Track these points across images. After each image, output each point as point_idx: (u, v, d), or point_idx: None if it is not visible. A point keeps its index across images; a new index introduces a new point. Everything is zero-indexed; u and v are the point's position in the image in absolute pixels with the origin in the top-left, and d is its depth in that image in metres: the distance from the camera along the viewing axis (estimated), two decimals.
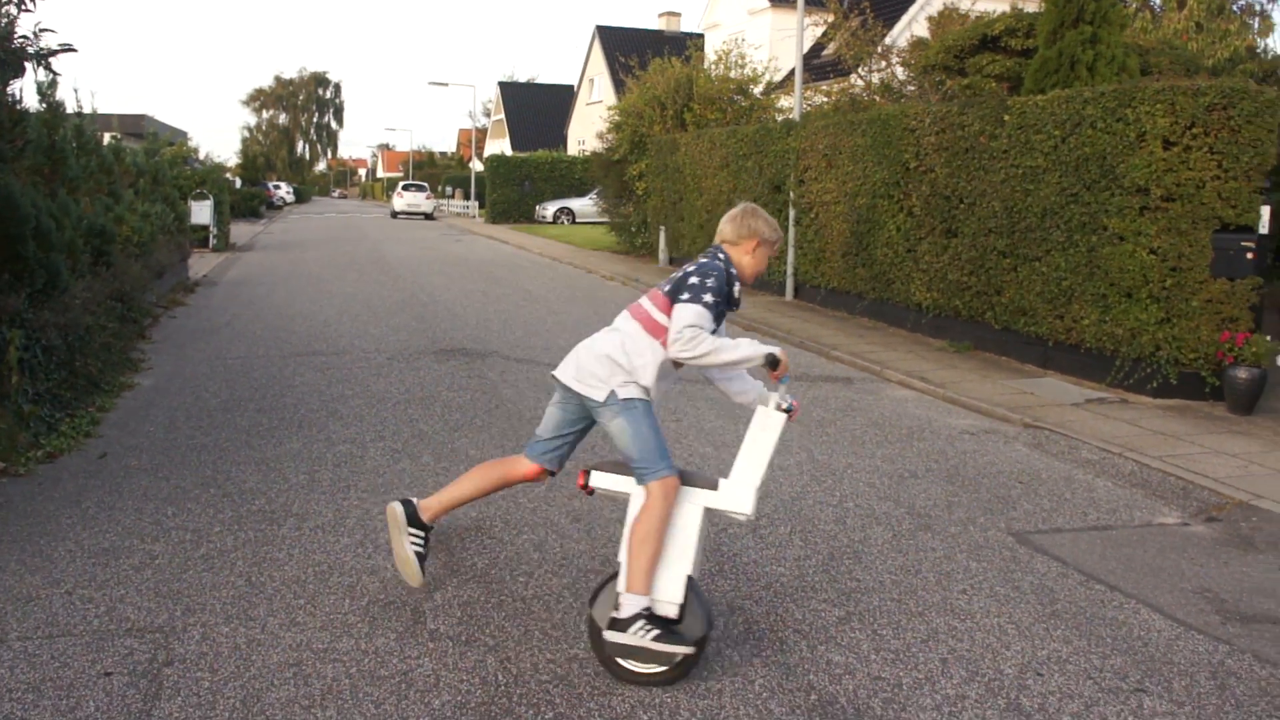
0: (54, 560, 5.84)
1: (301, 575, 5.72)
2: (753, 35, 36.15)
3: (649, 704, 4.41)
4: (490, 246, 33.38)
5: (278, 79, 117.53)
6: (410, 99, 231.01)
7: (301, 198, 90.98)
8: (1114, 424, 9.56)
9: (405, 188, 59.71)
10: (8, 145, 9.50)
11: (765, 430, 4.74)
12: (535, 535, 6.43)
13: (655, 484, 4.60)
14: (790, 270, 18.18)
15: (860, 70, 21.97)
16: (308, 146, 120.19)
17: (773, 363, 4.65)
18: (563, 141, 64.22)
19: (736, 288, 4.89)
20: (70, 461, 7.80)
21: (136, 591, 5.44)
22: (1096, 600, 5.65)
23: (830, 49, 25.52)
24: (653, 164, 25.10)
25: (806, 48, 23.21)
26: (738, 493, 4.67)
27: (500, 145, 72.18)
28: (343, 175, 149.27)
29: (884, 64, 21.59)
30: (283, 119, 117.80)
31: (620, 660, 4.57)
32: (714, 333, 4.73)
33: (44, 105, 12.27)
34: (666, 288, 4.82)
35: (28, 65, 9.66)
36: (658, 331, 4.77)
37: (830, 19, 24.53)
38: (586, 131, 53.35)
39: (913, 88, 20.35)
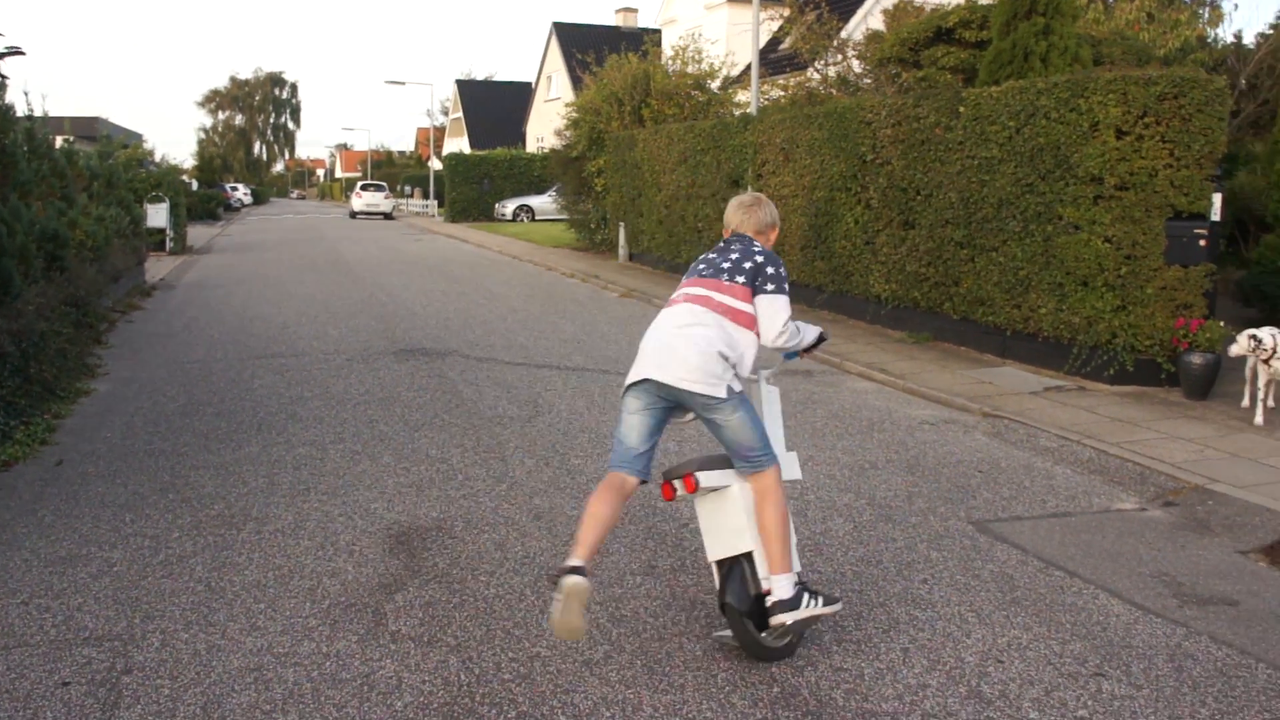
0: (9, 570, 5.78)
1: (262, 579, 5.69)
2: (709, 30, 36.15)
3: (612, 700, 4.41)
4: (450, 245, 33.27)
5: (233, 79, 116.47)
6: (367, 98, 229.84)
7: (260, 199, 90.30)
8: (1072, 411, 9.63)
9: (364, 187, 59.35)
10: None
11: (775, 403, 5.26)
12: (496, 534, 6.41)
13: (773, 468, 4.79)
14: None
15: (817, 64, 22.01)
16: (265, 147, 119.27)
17: (823, 338, 5.22)
18: (521, 139, 64.03)
19: None
20: (26, 470, 7.73)
21: (94, 599, 5.40)
22: (1056, 587, 5.70)
23: (787, 43, 25.59)
24: (611, 160, 25.08)
25: (763, 42, 23.28)
26: (788, 463, 5.04)
27: (459, 144, 71.90)
28: (301, 176, 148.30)
29: (840, 57, 21.64)
30: (239, 120, 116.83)
31: (791, 640, 4.76)
32: None
33: None
34: (740, 278, 4.91)
35: None
36: (750, 323, 4.90)
37: (786, 13, 24.57)
38: (545, 129, 53.20)
39: (869, 81, 20.41)
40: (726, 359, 4.79)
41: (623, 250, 24.68)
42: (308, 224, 50.33)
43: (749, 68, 20.62)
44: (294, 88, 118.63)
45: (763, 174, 17.22)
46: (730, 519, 4.80)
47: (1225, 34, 22.15)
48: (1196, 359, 9.99)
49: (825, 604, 4.72)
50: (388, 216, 56.81)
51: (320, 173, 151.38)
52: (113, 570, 5.80)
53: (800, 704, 4.39)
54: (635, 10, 60.43)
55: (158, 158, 38.22)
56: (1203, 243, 10.40)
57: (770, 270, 4.92)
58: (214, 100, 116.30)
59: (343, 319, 15.62)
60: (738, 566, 4.78)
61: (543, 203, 45.15)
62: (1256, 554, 6.32)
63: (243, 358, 12.33)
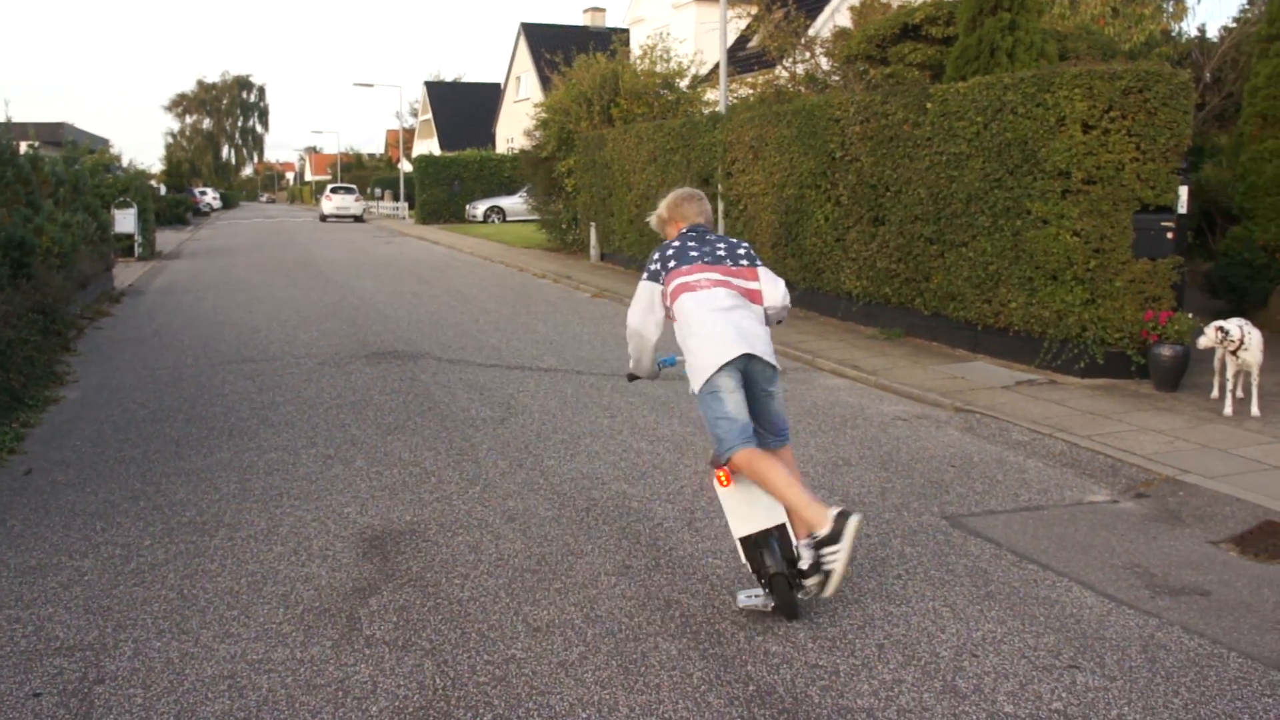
0: None
1: (235, 586, 5.65)
2: (678, 29, 36.17)
3: (588, 701, 4.40)
4: (421, 247, 33.18)
5: (200, 83, 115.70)
6: (336, 101, 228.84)
7: (229, 203, 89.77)
8: (1043, 405, 9.68)
9: (334, 190, 59.15)
10: None
11: None
12: (470, 537, 6.40)
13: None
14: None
15: (785, 62, 22.04)
16: (233, 151, 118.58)
17: None
18: (491, 140, 63.91)
19: None
20: None
21: (65, 609, 5.35)
22: (1029, 580, 5.72)
23: (755, 41, 25.63)
24: (581, 160, 25.07)
25: (731, 41, 23.31)
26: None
27: (429, 145, 71.72)
28: (270, 179, 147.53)
29: (808, 55, 21.68)
30: (207, 124, 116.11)
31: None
32: None
33: None
34: (743, 261, 5.53)
35: None
36: (759, 299, 5.49)
37: (754, 11, 24.61)
38: (515, 129, 53.12)
39: (837, 78, 20.45)
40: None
41: (594, 250, 24.67)
42: (278, 228, 50.09)
43: (717, 66, 20.65)
44: (262, 91, 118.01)
45: (732, 172, 17.24)
46: (765, 496, 5.17)
47: (1189, 28, 22.33)
48: (1166, 351, 10.06)
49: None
50: (358, 219, 56.64)
51: (290, 176, 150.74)
52: (84, 579, 5.75)
53: (776, 702, 4.40)
54: (603, 10, 60.41)
55: (125, 163, 37.93)
56: (1170, 235, 10.47)
57: (751, 249, 5.64)
58: (181, 104, 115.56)
59: (314, 323, 15.56)
60: (772, 538, 5.18)
61: (513, 204, 45.08)
62: (1227, 544, 6.37)
63: (213, 363, 12.26)
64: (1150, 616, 5.24)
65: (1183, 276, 10.74)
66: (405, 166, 64.15)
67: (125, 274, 23.44)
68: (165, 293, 20.45)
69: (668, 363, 5.72)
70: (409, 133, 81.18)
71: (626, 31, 39.05)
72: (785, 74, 21.93)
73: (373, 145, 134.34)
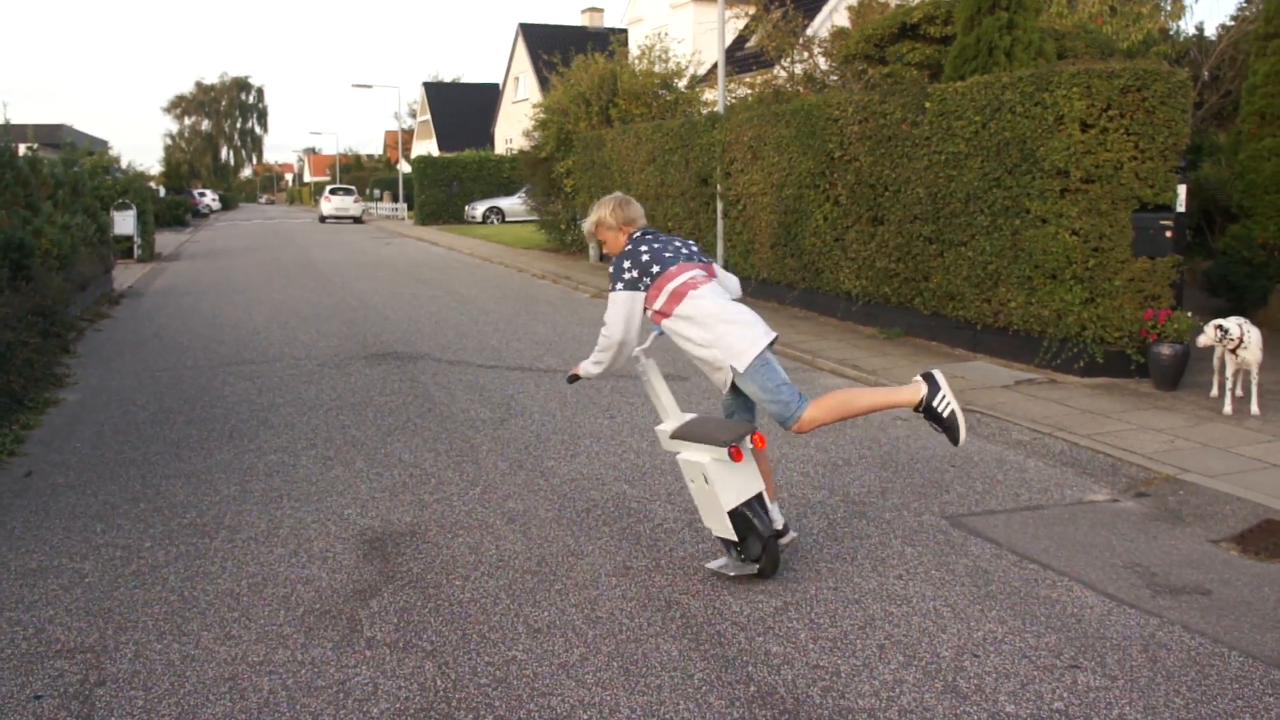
0: None
1: (235, 588, 5.65)
2: (676, 29, 36.18)
3: (589, 703, 4.40)
4: (420, 248, 33.19)
5: (199, 84, 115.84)
6: (335, 102, 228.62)
7: (228, 205, 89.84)
8: (1043, 404, 9.68)
9: (333, 191, 59.16)
10: None
11: (658, 372, 5.97)
12: (470, 538, 6.40)
13: None
14: (720, 262, 18.22)
15: (783, 61, 22.05)
16: (232, 153, 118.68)
17: None
18: (490, 141, 63.92)
19: None
20: None
21: (66, 611, 5.36)
22: (1030, 579, 5.72)
23: (753, 41, 25.64)
24: (580, 161, 25.07)
25: (729, 40, 23.30)
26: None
27: (427, 146, 71.72)
28: (269, 181, 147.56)
29: (806, 54, 21.69)
30: (206, 125, 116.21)
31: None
32: None
33: None
34: (705, 258, 5.94)
35: None
36: None
37: (752, 11, 24.64)
38: (513, 130, 53.12)
39: (835, 77, 20.47)
40: None
41: (593, 251, 24.68)
42: (277, 229, 50.10)
43: (715, 66, 20.65)
44: (260, 92, 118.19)
45: (731, 172, 17.24)
46: (746, 466, 5.60)
47: (1187, 26, 22.34)
48: (1165, 350, 10.06)
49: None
50: (357, 220, 56.67)
51: (289, 177, 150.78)
52: (84, 581, 5.76)
53: (777, 702, 4.40)
54: (601, 10, 60.41)
55: (124, 164, 37.99)
56: (1169, 234, 10.47)
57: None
58: (180, 106, 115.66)
59: (313, 324, 15.56)
60: (755, 504, 5.62)
61: (512, 204, 45.10)
62: (1228, 543, 6.37)
63: (213, 365, 12.26)
64: (1151, 616, 5.24)
65: (1182, 275, 10.74)
66: (404, 167, 64.17)
67: (125, 276, 23.44)
68: (165, 294, 20.45)
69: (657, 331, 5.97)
70: (407, 133, 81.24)
71: (625, 32, 39.01)
72: (784, 74, 21.94)
73: (371, 146, 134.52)
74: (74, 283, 15.57)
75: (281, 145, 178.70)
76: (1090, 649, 4.87)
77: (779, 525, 5.76)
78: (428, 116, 73.97)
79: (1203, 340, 9.35)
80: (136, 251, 28.20)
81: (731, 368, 5.56)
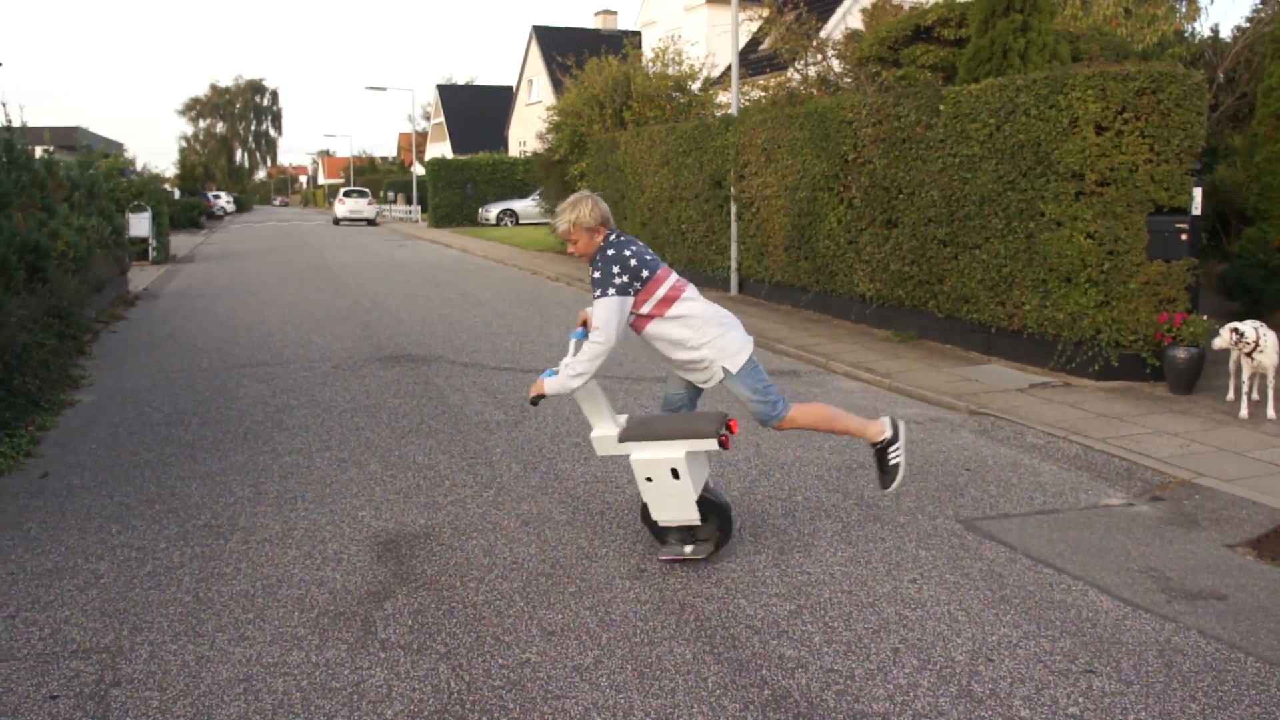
0: None
1: (250, 589, 5.67)
2: (689, 32, 36.17)
3: (603, 706, 4.40)
4: (434, 251, 33.24)
5: (214, 87, 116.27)
6: (349, 104, 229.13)
7: (242, 207, 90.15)
8: (1058, 408, 9.66)
9: (347, 194, 59.25)
10: None
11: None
12: (485, 540, 6.40)
13: None
14: (734, 265, 18.22)
15: (796, 64, 22.05)
16: (247, 155, 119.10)
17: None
18: (504, 143, 64.01)
19: None
20: (10, 482, 7.69)
21: (81, 612, 5.37)
22: (1044, 583, 5.71)
23: (766, 43, 25.63)
24: (594, 163, 25.07)
25: (742, 43, 23.30)
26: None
27: (441, 148, 71.85)
28: (283, 183, 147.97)
29: (820, 57, 21.68)
30: (220, 128, 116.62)
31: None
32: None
33: None
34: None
35: None
36: None
37: (765, 13, 24.62)
38: (527, 132, 53.16)
39: (849, 80, 20.44)
40: None
41: None
42: (291, 231, 50.23)
43: (729, 69, 20.64)
44: (275, 95, 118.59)
45: (745, 175, 17.23)
46: (702, 459, 5.94)
47: (1202, 28, 22.25)
48: (1181, 353, 10.03)
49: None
50: (371, 223, 56.76)
51: (303, 180, 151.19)
52: (100, 582, 5.78)
53: (791, 706, 4.39)
54: (615, 13, 60.42)
55: (139, 167, 38.15)
56: (1184, 237, 10.44)
57: None
58: (195, 108, 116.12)
59: (327, 326, 15.59)
60: (708, 483, 6.03)
61: (526, 206, 45.16)
62: (1244, 547, 6.34)
63: (228, 366, 12.30)
64: (1166, 620, 5.22)
65: (1197, 278, 10.71)
66: (418, 170, 64.31)
67: (140, 278, 23.52)
68: (179, 296, 20.52)
69: (578, 336, 6.05)
70: (421, 136, 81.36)
71: (638, 34, 39.11)
72: (797, 76, 21.94)
73: (385, 149, 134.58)
74: (89, 284, 15.63)
75: (296, 148, 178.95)
76: (1105, 654, 4.85)
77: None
78: (441, 119, 74.08)
79: (1218, 343, 9.32)
80: (152, 253, 28.31)
81: (724, 369, 5.86)
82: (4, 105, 34.57)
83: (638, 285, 5.71)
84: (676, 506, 5.83)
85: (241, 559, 6.12)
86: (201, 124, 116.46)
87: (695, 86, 27.13)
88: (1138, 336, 10.40)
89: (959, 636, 5.03)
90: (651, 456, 5.72)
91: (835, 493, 7.32)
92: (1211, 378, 10.33)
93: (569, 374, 5.67)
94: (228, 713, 4.37)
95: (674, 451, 5.70)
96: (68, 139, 31.22)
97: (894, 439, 6.07)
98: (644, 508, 6.09)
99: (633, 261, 5.72)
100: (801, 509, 6.96)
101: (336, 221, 57.15)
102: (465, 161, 51.94)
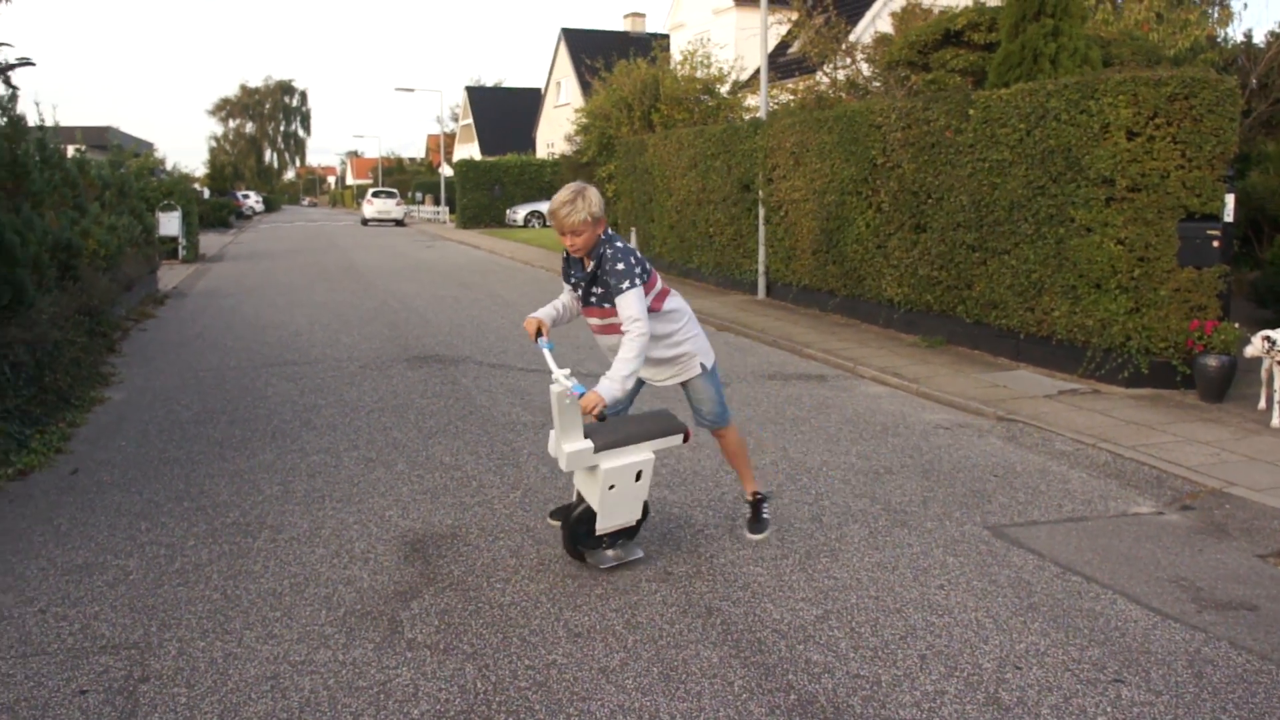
0: (26, 578, 5.79)
1: (277, 587, 5.69)
2: (718, 35, 36.17)
3: (629, 708, 4.40)
4: (461, 251, 33.32)
5: (243, 88, 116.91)
6: (377, 105, 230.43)
7: (271, 207, 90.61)
8: (1087, 415, 9.61)
9: (375, 194, 59.48)
10: None
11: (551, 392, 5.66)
12: (512, 541, 6.41)
13: None
14: (762, 269, 18.20)
15: (825, 67, 22.02)
16: (276, 155, 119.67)
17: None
18: (532, 145, 64.16)
19: (566, 258, 6.03)
20: (41, 478, 7.75)
21: (111, 608, 5.40)
22: (1073, 592, 5.68)
23: (795, 47, 25.57)
24: (622, 166, 25.10)
25: (771, 46, 23.27)
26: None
27: (469, 150, 72.06)
28: (312, 183, 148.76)
29: (849, 61, 21.63)
30: (250, 128, 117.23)
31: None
32: (581, 301, 5.95)
33: (5, 119, 12.16)
34: None
35: None
36: None
37: (794, 17, 24.57)
38: (555, 134, 53.30)
39: (878, 84, 20.39)
40: None
41: None
42: (319, 231, 50.44)
43: (758, 72, 20.63)
44: (304, 95, 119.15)
45: (773, 178, 17.21)
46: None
47: (1235, 33, 22.05)
48: (1211, 361, 9.96)
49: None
50: (399, 223, 56.96)
51: (331, 180, 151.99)
52: (129, 578, 5.81)
53: (818, 711, 4.38)
54: (643, 15, 60.51)
55: (169, 166, 38.37)
56: (1216, 244, 10.37)
57: None
58: (225, 108, 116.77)
59: (355, 326, 15.65)
60: None
61: None
62: (1275, 558, 6.29)
63: (256, 365, 12.35)
64: (1196, 631, 5.18)
65: (1229, 285, 10.63)
66: (446, 171, 64.53)
67: (169, 276, 23.66)
68: (208, 295, 20.63)
69: (549, 347, 5.94)
70: (450, 137, 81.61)
71: (667, 37, 39.12)
72: (826, 80, 21.90)
73: (413, 149, 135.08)
74: (120, 283, 15.74)
75: (324, 148, 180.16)
76: (1134, 663, 4.82)
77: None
78: (470, 120, 74.30)
79: (1250, 351, 9.26)
80: (181, 252, 28.49)
81: (702, 365, 6.02)
82: (37, 105, 34.93)
83: (645, 278, 5.68)
84: (626, 511, 5.85)
85: (269, 557, 6.14)
86: (231, 124, 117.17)
87: (724, 89, 27.14)
88: (1168, 344, 10.34)
89: (986, 644, 5.01)
90: (624, 463, 5.68)
91: (862, 498, 7.30)
92: (1243, 386, 10.26)
93: (623, 374, 5.43)
94: (255, 710, 4.39)
95: (645, 454, 5.76)
96: (99, 138, 31.45)
97: (769, 495, 6.56)
98: (572, 521, 5.85)
99: (637, 253, 5.74)
100: (829, 514, 6.94)
101: (365, 222, 57.39)
102: (493, 163, 52.09)
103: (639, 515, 5.97)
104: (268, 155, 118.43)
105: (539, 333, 5.89)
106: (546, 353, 5.85)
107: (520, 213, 46.85)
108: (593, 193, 5.70)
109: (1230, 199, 10.48)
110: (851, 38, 24.30)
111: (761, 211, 17.79)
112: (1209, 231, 10.33)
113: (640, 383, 6.19)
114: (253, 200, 78.84)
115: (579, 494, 5.91)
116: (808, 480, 7.70)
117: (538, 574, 5.88)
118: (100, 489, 7.48)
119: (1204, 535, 6.67)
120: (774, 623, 5.23)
